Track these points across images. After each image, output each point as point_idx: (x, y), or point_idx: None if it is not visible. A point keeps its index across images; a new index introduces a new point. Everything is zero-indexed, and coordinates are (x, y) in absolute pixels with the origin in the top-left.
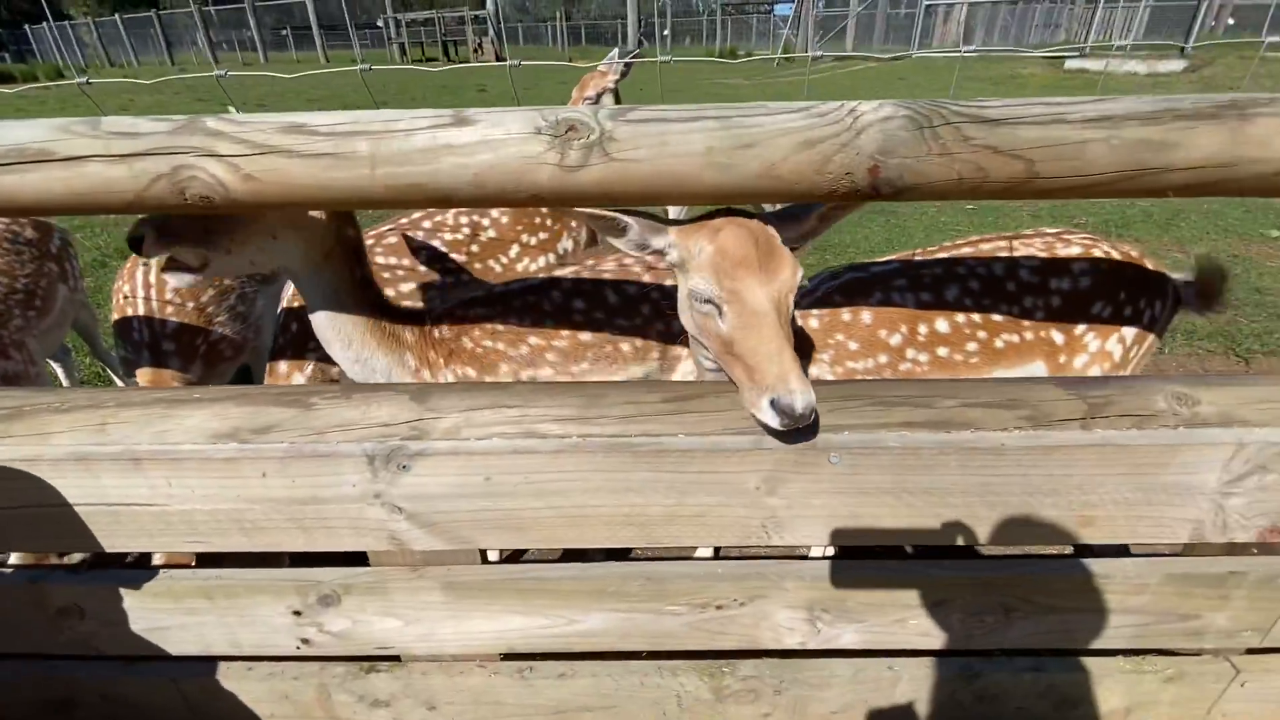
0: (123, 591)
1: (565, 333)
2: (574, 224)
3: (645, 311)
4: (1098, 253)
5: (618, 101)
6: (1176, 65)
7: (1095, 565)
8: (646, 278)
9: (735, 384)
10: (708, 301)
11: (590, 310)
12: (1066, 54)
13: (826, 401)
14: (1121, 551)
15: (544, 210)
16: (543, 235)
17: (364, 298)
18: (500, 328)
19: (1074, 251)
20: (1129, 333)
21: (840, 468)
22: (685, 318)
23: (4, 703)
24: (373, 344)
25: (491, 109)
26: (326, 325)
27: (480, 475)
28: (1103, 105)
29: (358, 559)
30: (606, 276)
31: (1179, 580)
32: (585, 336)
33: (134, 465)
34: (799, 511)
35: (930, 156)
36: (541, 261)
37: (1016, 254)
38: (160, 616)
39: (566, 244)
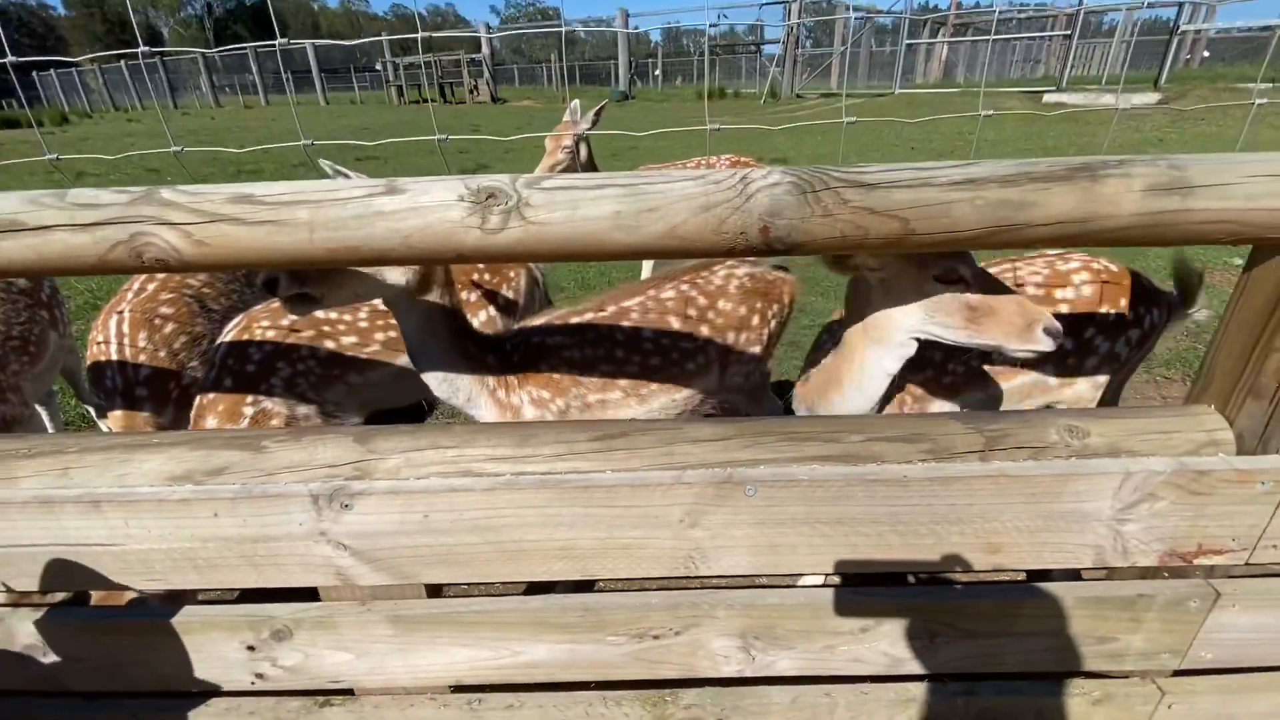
0: (84, 629)
1: (636, 358)
2: (511, 275)
3: (705, 332)
4: (1097, 266)
5: (589, 149)
6: (1151, 98)
7: (1008, 590)
8: (702, 301)
9: (989, 342)
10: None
11: (657, 337)
12: (1045, 89)
13: (741, 438)
14: (1040, 577)
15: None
16: (475, 295)
17: (452, 324)
18: (576, 355)
19: (1074, 266)
20: (1133, 334)
21: (756, 500)
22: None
23: None
24: (459, 366)
25: (420, 179)
26: (419, 348)
27: (419, 513)
28: (967, 170)
29: (309, 594)
30: (669, 304)
31: (1091, 603)
32: (654, 361)
33: (93, 507)
34: (721, 542)
35: (814, 218)
36: (483, 315)
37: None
38: (120, 653)
39: (507, 293)
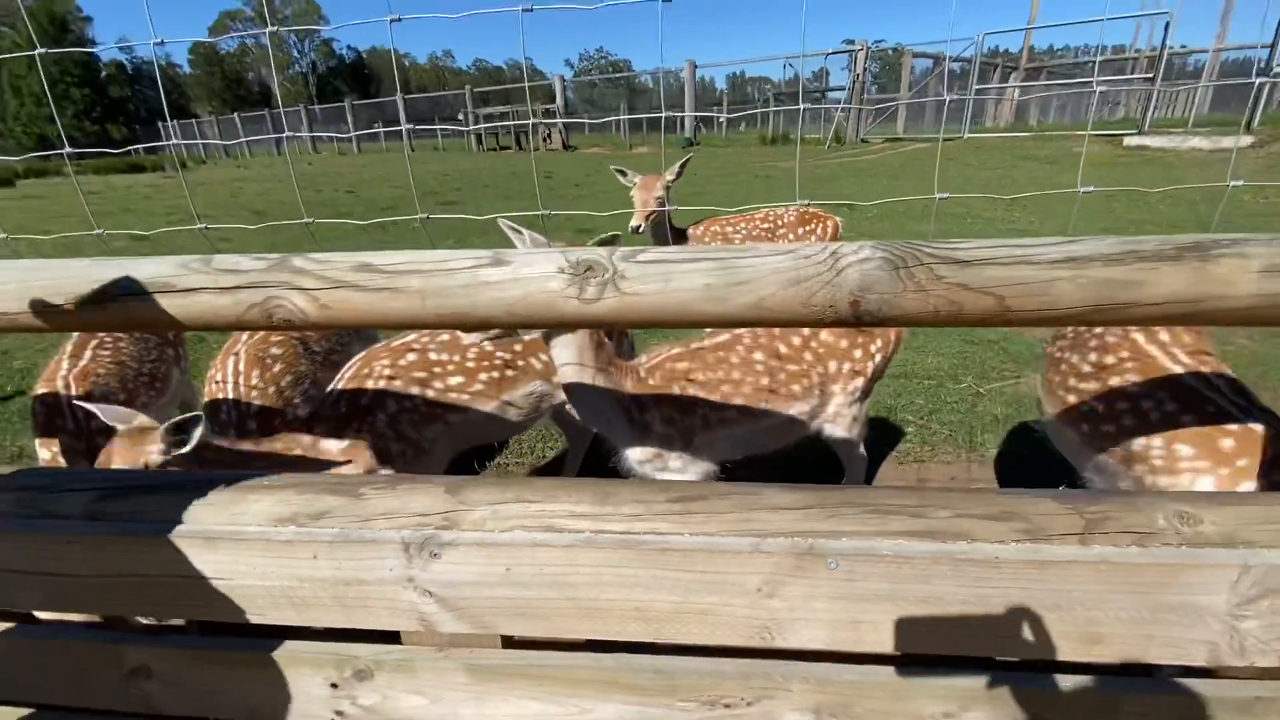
0: (186, 655)
1: (749, 379)
2: None
3: (808, 358)
4: None
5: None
6: (1243, 141)
7: (1108, 683)
8: (806, 329)
9: None
10: None
11: (767, 359)
12: (1126, 132)
13: (823, 508)
14: (1143, 670)
15: None
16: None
17: (600, 355)
18: (700, 377)
19: None
20: None
21: (838, 573)
22: None
23: None
24: (604, 392)
25: (522, 251)
26: (573, 375)
27: (502, 565)
28: (1068, 247)
29: (390, 637)
30: (776, 330)
31: (1202, 703)
32: (765, 381)
33: (208, 543)
34: (799, 614)
35: (906, 293)
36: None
37: None
38: (214, 680)
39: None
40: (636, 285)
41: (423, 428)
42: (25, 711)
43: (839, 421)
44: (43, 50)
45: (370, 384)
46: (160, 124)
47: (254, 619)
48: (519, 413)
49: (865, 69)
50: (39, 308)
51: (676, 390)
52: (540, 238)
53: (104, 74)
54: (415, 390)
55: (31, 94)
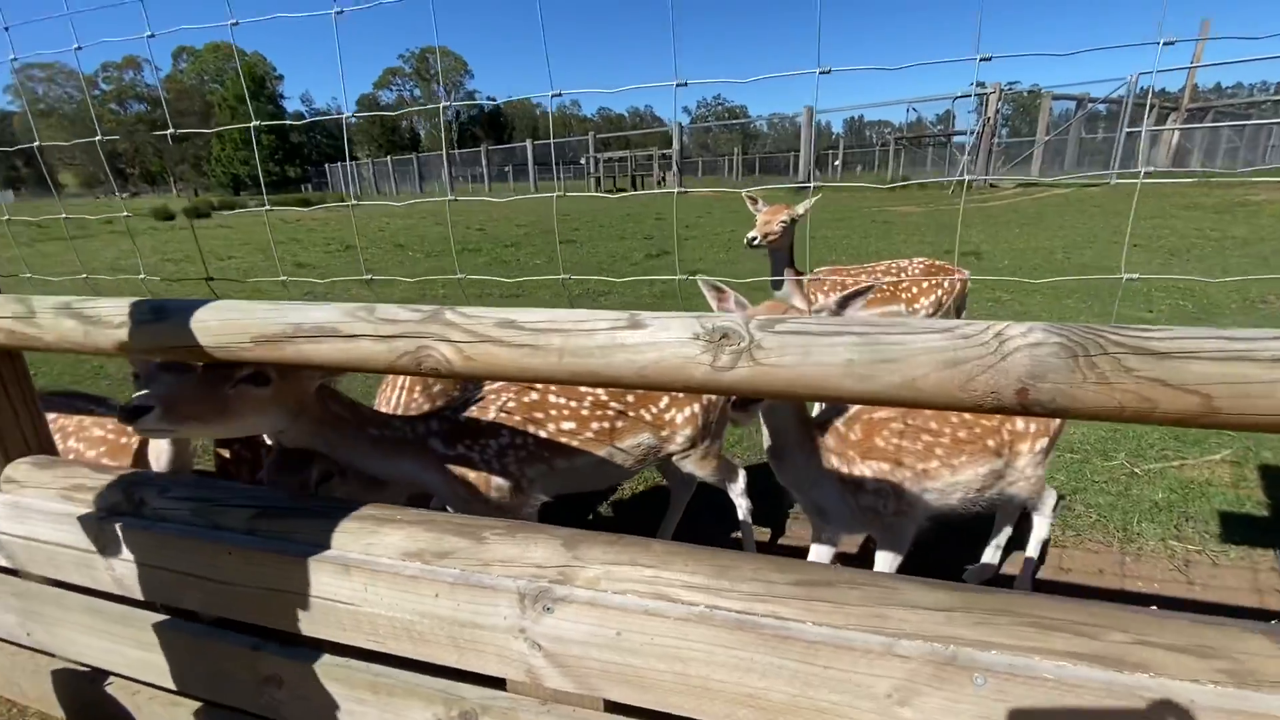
0: (314, 672)
1: (947, 431)
2: None
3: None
4: None
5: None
6: None
7: None
8: None
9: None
10: None
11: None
12: None
13: (970, 612)
14: None
15: None
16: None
17: (803, 415)
18: (903, 426)
19: None
20: None
21: (985, 691)
22: None
23: None
24: (810, 452)
25: (659, 315)
26: (781, 440)
27: (613, 629)
28: None
29: (492, 681)
30: None
31: None
32: (963, 434)
33: (344, 570)
34: None
35: (1086, 384)
36: (687, 411)
37: None
38: (334, 698)
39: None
40: (773, 356)
41: (526, 465)
42: (175, 698)
43: (1022, 485)
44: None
45: (492, 412)
46: (327, 165)
47: (374, 646)
48: (624, 463)
49: (998, 111)
50: (225, 345)
51: (880, 443)
52: (744, 300)
53: (285, 121)
54: (530, 428)
55: (231, 140)
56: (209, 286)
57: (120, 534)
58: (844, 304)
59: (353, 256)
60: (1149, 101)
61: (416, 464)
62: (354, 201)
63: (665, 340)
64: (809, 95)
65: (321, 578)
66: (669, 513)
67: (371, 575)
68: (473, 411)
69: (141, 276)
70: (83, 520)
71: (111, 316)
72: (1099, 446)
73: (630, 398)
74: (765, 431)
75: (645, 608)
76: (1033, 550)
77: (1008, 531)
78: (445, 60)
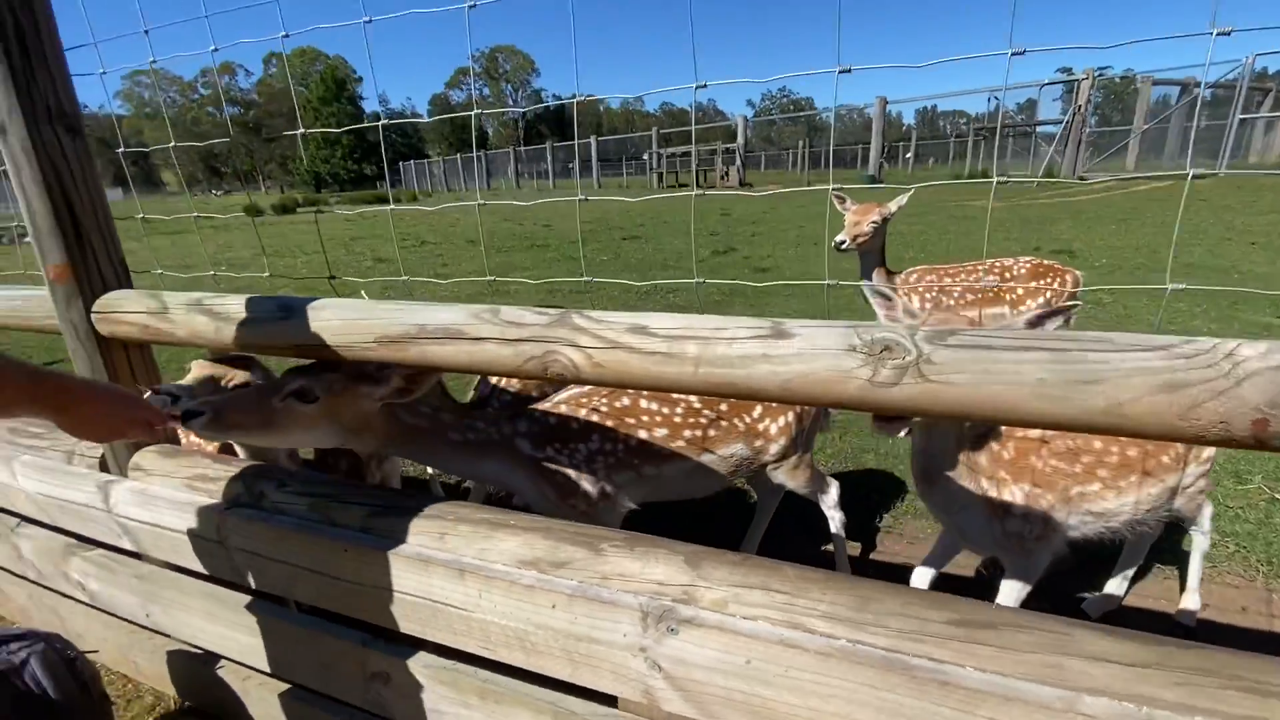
0: (422, 672)
1: (1115, 449)
2: None
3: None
4: None
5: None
6: None
7: None
8: None
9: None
10: None
11: None
12: None
13: (1165, 669)
14: None
15: None
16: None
17: (959, 432)
18: (1060, 447)
19: None
20: None
21: None
22: None
23: None
24: (961, 473)
25: (809, 323)
26: (936, 459)
27: (742, 656)
28: None
29: (601, 697)
30: None
31: None
32: (1132, 453)
33: (459, 574)
34: None
35: None
36: (781, 421)
37: None
38: (440, 702)
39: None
40: (945, 373)
41: (615, 472)
42: (283, 686)
43: (1188, 498)
44: (384, 122)
45: (582, 414)
46: (400, 164)
47: (484, 653)
48: (715, 473)
49: (1089, 99)
50: (350, 344)
51: (1037, 462)
52: (913, 306)
53: (364, 121)
54: (621, 434)
55: (313, 140)
56: (330, 285)
57: (240, 525)
58: (1037, 323)
59: (428, 251)
60: (1239, 87)
61: (503, 465)
62: (480, 201)
63: (816, 351)
64: (881, 86)
65: (434, 580)
66: (755, 521)
67: (486, 582)
68: (562, 413)
69: (267, 275)
70: (205, 510)
71: (241, 313)
72: (1229, 466)
73: (724, 406)
74: (917, 450)
75: (781, 637)
76: (1193, 580)
77: (1138, 559)
78: (513, 59)
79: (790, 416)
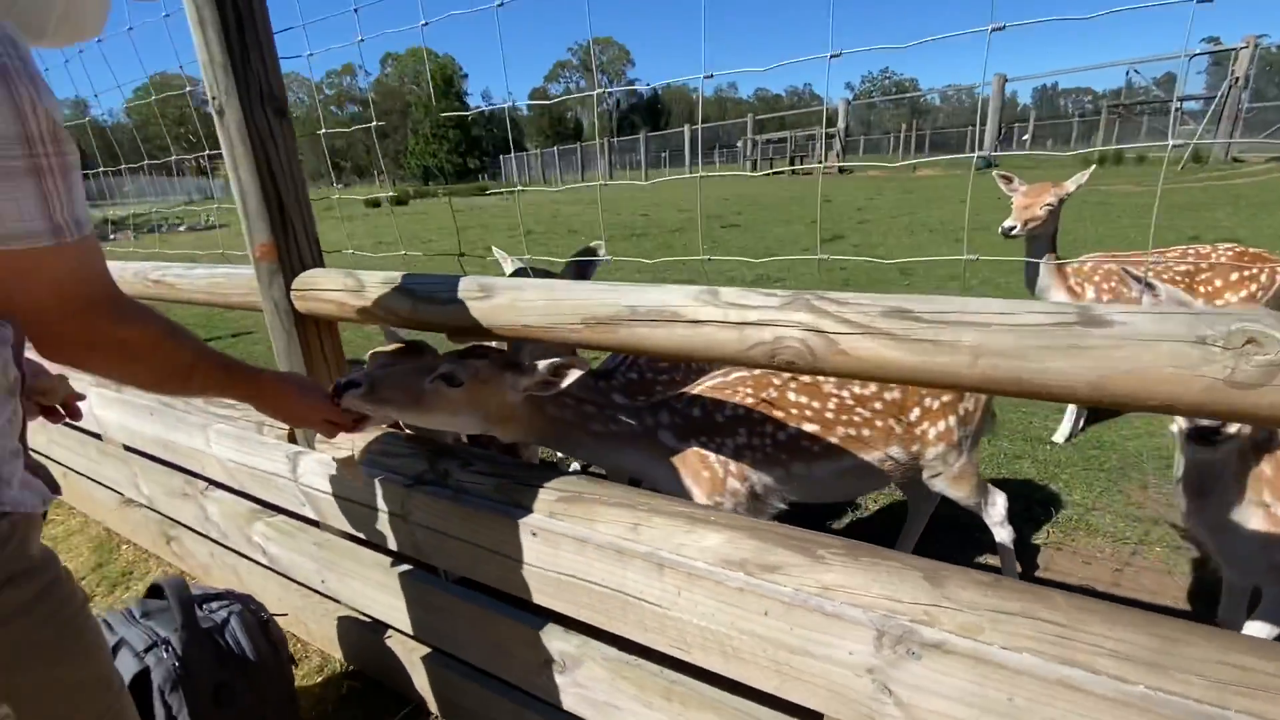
0: (602, 664)
1: None
2: None
3: None
4: None
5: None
6: None
7: None
8: None
9: None
10: None
11: None
12: None
13: None
14: None
15: None
16: (945, 397)
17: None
18: None
19: None
20: None
21: None
22: None
23: (487, 715)
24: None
25: (1127, 308)
26: (1216, 476)
27: (1004, 693)
28: None
29: (806, 713)
30: None
31: None
32: None
33: (657, 569)
34: None
35: None
36: (941, 425)
37: None
38: (619, 697)
39: (968, 403)
40: None
41: (763, 470)
42: (450, 661)
43: None
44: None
45: (727, 407)
46: (501, 156)
47: (676, 653)
48: (866, 476)
49: (1248, 72)
50: (553, 325)
51: None
52: (1179, 293)
53: (470, 119)
54: (768, 428)
55: (423, 135)
56: (459, 263)
57: (424, 502)
58: None
59: (533, 240)
60: None
61: (644, 457)
62: (601, 182)
63: (1145, 342)
64: (996, 63)
65: (629, 574)
66: (907, 527)
67: (688, 579)
68: (705, 403)
69: (403, 252)
70: (389, 485)
71: (439, 293)
72: None
73: (878, 404)
74: (1196, 460)
75: (1059, 675)
76: None
77: None
78: (609, 51)
79: (951, 421)
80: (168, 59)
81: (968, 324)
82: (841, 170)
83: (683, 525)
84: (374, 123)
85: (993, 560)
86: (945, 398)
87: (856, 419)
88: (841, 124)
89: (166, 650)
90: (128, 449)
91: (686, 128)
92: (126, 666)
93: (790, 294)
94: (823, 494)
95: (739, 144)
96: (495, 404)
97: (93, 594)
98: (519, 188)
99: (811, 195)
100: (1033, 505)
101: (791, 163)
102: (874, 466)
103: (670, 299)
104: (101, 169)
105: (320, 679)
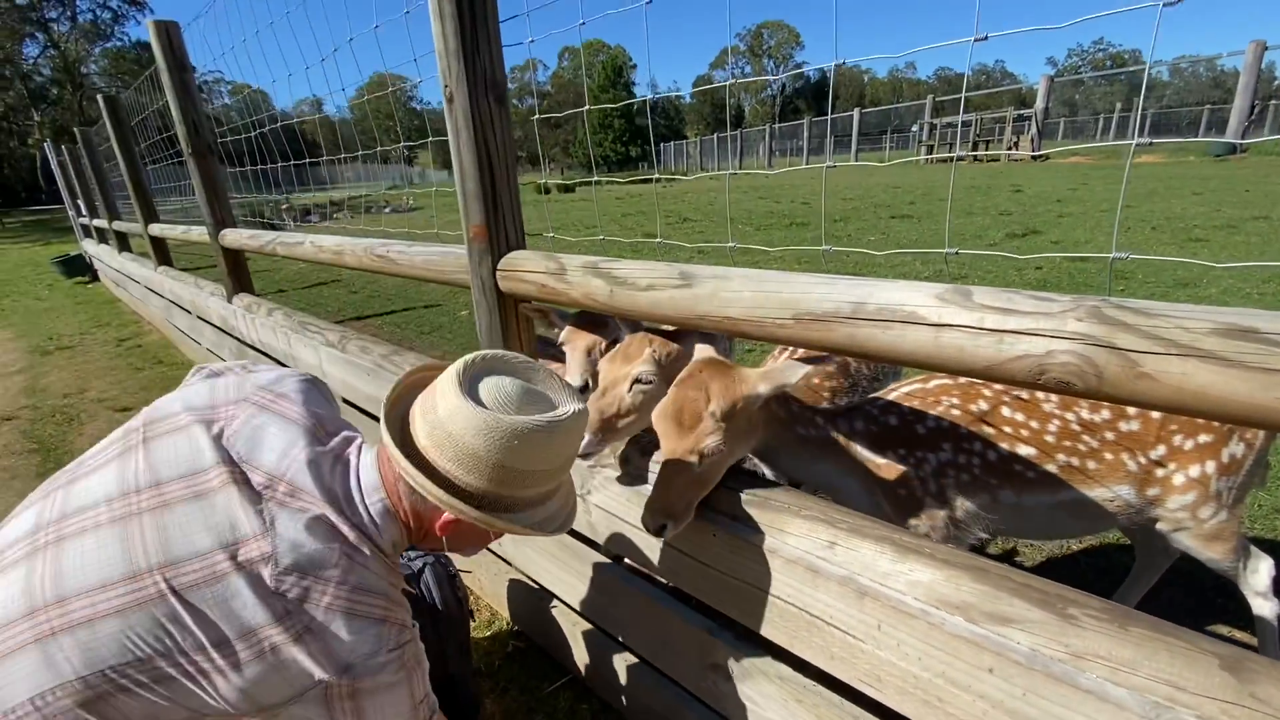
0: (775, 682)
1: None
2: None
3: None
4: None
5: None
6: None
7: None
8: None
9: None
10: None
11: None
12: None
13: None
14: None
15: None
16: (1204, 438)
17: None
18: None
19: None
20: None
21: None
22: None
23: (641, 702)
24: None
25: None
26: None
27: None
28: None
29: None
30: None
31: None
32: None
33: (857, 596)
34: None
35: None
36: (1195, 471)
37: None
38: (786, 717)
39: (1235, 449)
40: None
41: (967, 493)
42: (611, 643)
43: None
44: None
45: (930, 417)
46: (661, 144)
47: (865, 689)
48: (1087, 515)
49: None
50: (759, 319)
51: None
52: None
53: (635, 108)
54: (977, 446)
55: (590, 126)
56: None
57: (603, 484)
58: None
59: (690, 228)
60: None
61: (837, 467)
62: (731, 170)
63: None
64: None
65: (821, 595)
66: (1129, 583)
67: (893, 614)
68: (903, 411)
69: (601, 237)
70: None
71: (639, 279)
72: None
73: (1110, 434)
74: None
75: None
76: None
77: None
78: (779, 34)
79: (1210, 467)
80: (388, 60)
81: None
82: (1035, 157)
83: (889, 552)
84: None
85: (1239, 634)
86: (1204, 438)
87: (1082, 448)
88: (1041, 104)
89: None
90: (345, 401)
91: (856, 111)
92: None
93: (1072, 299)
94: (1031, 529)
95: (914, 128)
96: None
97: None
98: (656, 176)
99: (1000, 185)
100: None
101: (974, 149)
102: (1097, 505)
103: (907, 297)
104: (327, 157)
105: (489, 633)
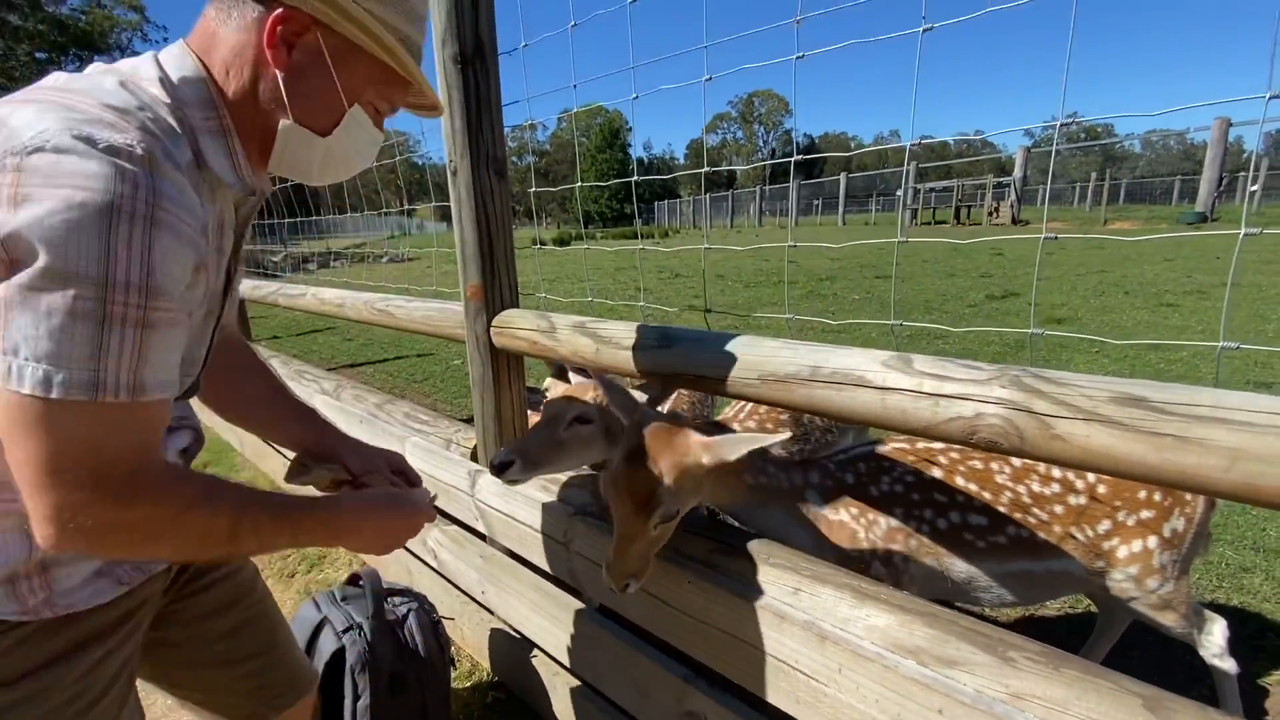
0: None
1: None
2: (1187, 498)
3: None
4: None
5: None
6: None
7: None
8: None
9: None
10: None
11: None
12: None
13: None
14: None
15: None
16: (1145, 514)
17: None
18: None
19: None
20: None
21: None
22: None
23: None
24: None
25: None
26: None
27: None
28: None
29: None
30: None
31: None
32: None
33: (819, 640)
34: None
35: None
36: (1137, 545)
37: None
38: None
39: (1176, 523)
40: None
41: (914, 558)
42: (589, 692)
43: None
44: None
45: (885, 480)
46: (655, 203)
47: None
48: (1030, 588)
49: None
50: (729, 378)
51: None
52: None
53: (630, 167)
54: (928, 513)
55: (581, 191)
56: (639, 311)
57: (585, 531)
58: None
59: (681, 284)
60: None
61: (787, 518)
62: (705, 245)
63: None
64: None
65: (787, 640)
66: (1093, 641)
67: (852, 658)
68: (859, 471)
69: (590, 299)
70: (556, 510)
71: (623, 339)
72: None
73: (1059, 508)
74: None
75: None
76: None
77: None
78: (768, 103)
79: (1151, 542)
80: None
81: (1222, 421)
82: (1015, 221)
83: (848, 598)
84: (580, 183)
85: (1205, 690)
86: (1145, 514)
87: (1032, 520)
88: (1019, 172)
89: (360, 635)
90: None
91: (843, 176)
92: (328, 642)
93: (996, 369)
94: (981, 597)
95: (898, 192)
96: None
97: (294, 571)
98: (640, 245)
99: (981, 248)
100: (1265, 631)
101: (957, 213)
102: (1043, 579)
103: (856, 363)
104: (332, 215)
105: (469, 684)
